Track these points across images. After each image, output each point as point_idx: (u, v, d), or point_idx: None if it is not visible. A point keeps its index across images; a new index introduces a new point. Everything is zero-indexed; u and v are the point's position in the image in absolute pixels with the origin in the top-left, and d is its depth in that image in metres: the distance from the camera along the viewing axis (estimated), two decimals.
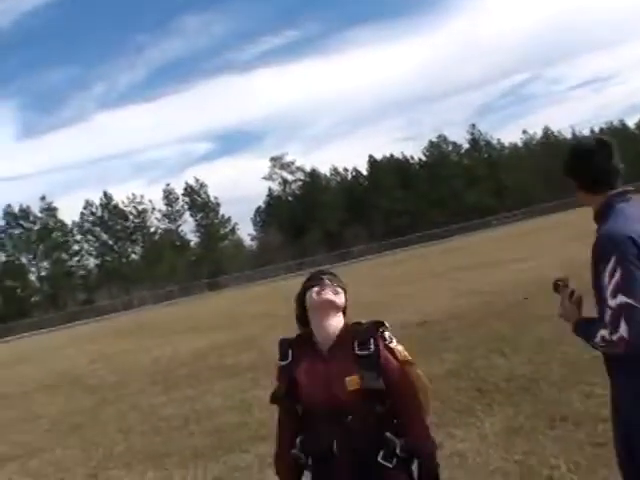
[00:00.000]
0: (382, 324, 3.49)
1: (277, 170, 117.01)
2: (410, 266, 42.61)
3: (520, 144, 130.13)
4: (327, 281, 3.56)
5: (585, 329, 3.36)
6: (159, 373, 17.15)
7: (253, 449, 8.40)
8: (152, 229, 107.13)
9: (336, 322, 3.48)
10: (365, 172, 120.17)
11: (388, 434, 3.34)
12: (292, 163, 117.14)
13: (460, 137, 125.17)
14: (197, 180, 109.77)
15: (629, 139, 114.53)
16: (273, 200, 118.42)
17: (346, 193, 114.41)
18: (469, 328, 13.80)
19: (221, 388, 13.26)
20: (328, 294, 3.49)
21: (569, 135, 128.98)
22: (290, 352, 3.52)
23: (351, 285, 3.86)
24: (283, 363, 3.53)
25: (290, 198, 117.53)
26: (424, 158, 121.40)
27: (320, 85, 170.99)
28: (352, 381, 3.30)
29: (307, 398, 3.40)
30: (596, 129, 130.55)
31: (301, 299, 3.61)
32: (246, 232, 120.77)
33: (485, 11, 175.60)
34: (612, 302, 3.12)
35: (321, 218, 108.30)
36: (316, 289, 3.51)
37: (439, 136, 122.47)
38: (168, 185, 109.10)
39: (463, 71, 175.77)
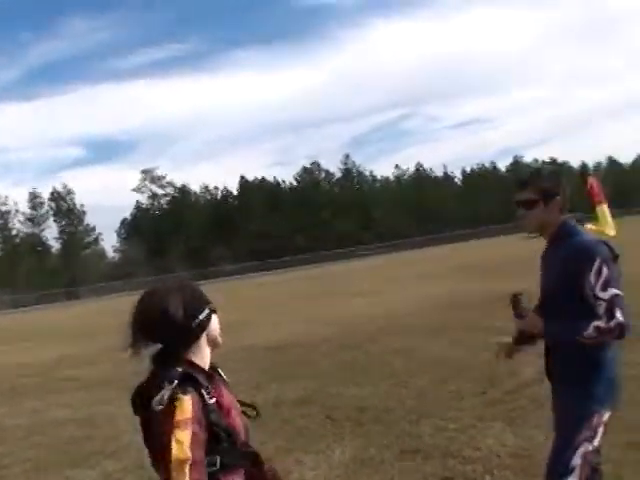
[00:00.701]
0: None
1: (147, 183, 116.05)
2: (271, 290, 42.69)
3: (392, 178, 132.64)
4: None
5: (565, 329, 3.80)
6: (5, 381, 16.55)
7: (98, 465, 8.19)
8: (14, 232, 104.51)
9: None
10: (235, 192, 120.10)
11: None
12: (163, 177, 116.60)
13: (334, 167, 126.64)
14: (65, 186, 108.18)
15: (500, 181, 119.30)
16: (140, 213, 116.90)
17: (214, 212, 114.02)
18: (323, 356, 13.90)
19: (69, 400, 12.89)
20: None
21: (440, 173, 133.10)
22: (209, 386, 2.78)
23: None
24: (212, 401, 2.74)
25: (157, 212, 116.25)
26: (295, 183, 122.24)
27: (199, 101, 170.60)
28: None
29: (231, 435, 2.77)
30: (467, 169, 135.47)
31: (193, 317, 2.90)
32: (110, 243, 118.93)
33: (370, 45, 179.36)
34: (604, 295, 3.66)
35: (186, 235, 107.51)
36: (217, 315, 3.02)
37: (312, 163, 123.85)
38: (35, 188, 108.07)
39: (343, 102, 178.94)
